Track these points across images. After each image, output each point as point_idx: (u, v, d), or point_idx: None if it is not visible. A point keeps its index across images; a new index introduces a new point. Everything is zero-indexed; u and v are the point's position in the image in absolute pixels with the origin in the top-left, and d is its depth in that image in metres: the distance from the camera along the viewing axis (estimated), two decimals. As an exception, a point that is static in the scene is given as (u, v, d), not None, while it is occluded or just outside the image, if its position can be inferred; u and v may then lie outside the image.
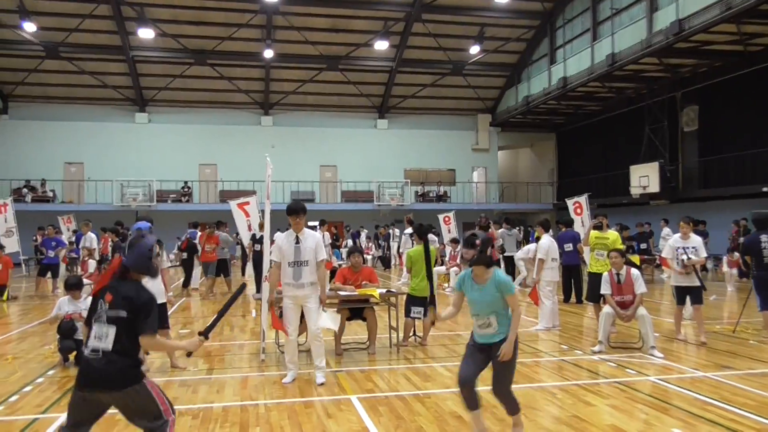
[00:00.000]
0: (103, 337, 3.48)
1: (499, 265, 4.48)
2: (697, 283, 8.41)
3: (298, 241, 6.50)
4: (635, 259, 13.36)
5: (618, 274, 8.08)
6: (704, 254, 8.55)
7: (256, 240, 13.74)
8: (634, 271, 8.18)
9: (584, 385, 6.43)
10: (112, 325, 3.49)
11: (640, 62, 21.36)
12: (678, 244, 8.55)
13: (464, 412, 5.52)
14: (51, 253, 15.40)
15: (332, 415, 5.49)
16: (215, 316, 4.02)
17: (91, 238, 15.12)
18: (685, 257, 8.37)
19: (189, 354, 3.92)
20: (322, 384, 6.45)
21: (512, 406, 4.65)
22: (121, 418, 3.81)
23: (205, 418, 5.41)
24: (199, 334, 3.82)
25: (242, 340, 9.27)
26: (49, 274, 15.35)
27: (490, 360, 4.58)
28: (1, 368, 7.40)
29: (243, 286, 4.81)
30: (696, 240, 8.57)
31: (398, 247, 21.71)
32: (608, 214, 11.02)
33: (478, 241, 4.58)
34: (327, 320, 6.74)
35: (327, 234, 16.45)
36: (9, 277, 14.09)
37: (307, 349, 8.20)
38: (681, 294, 8.58)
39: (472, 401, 4.59)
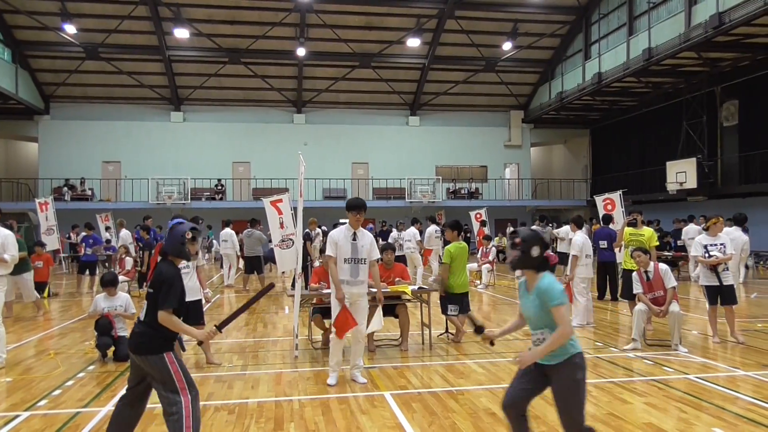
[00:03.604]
0: (143, 310, 4.04)
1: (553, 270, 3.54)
2: (728, 282, 8.17)
3: (355, 238, 6.37)
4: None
5: (646, 272, 7.98)
6: (731, 251, 8.27)
7: (309, 238, 14.08)
8: (662, 266, 8.08)
9: (620, 382, 6.35)
10: (147, 299, 4.03)
11: (678, 57, 20.88)
12: (705, 242, 8.35)
13: (499, 410, 5.49)
14: (89, 251, 15.74)
15: (366, 411, 5.51)
16: (235, 311, 4.26)
17: (125, 236, 15.41)
18: (715, 255, 8.16)
19: (199, 343, 4.32)
20: (365, 383, 6.37)
21: None
22: (159, 412, 4.18)
23: (240, 414, 5.49)
24: (215, 326, 4.16)
25: (276, 336, 9.37)
26: (87, 272, 15.70)
27: (547, 385, 3.80)
28: (44, 363, 7.61)
29: (271, 285, 4.89)
30: (724, 237, 8.34)
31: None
32: (644, 211, 10.82)
33: (518, 240, 3.80)
34: (379, 322, 6.74)
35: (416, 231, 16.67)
36: (50, 275, 14.43)
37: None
38: (712, 294, 8.33)
39: (517, 429, 3.82)
